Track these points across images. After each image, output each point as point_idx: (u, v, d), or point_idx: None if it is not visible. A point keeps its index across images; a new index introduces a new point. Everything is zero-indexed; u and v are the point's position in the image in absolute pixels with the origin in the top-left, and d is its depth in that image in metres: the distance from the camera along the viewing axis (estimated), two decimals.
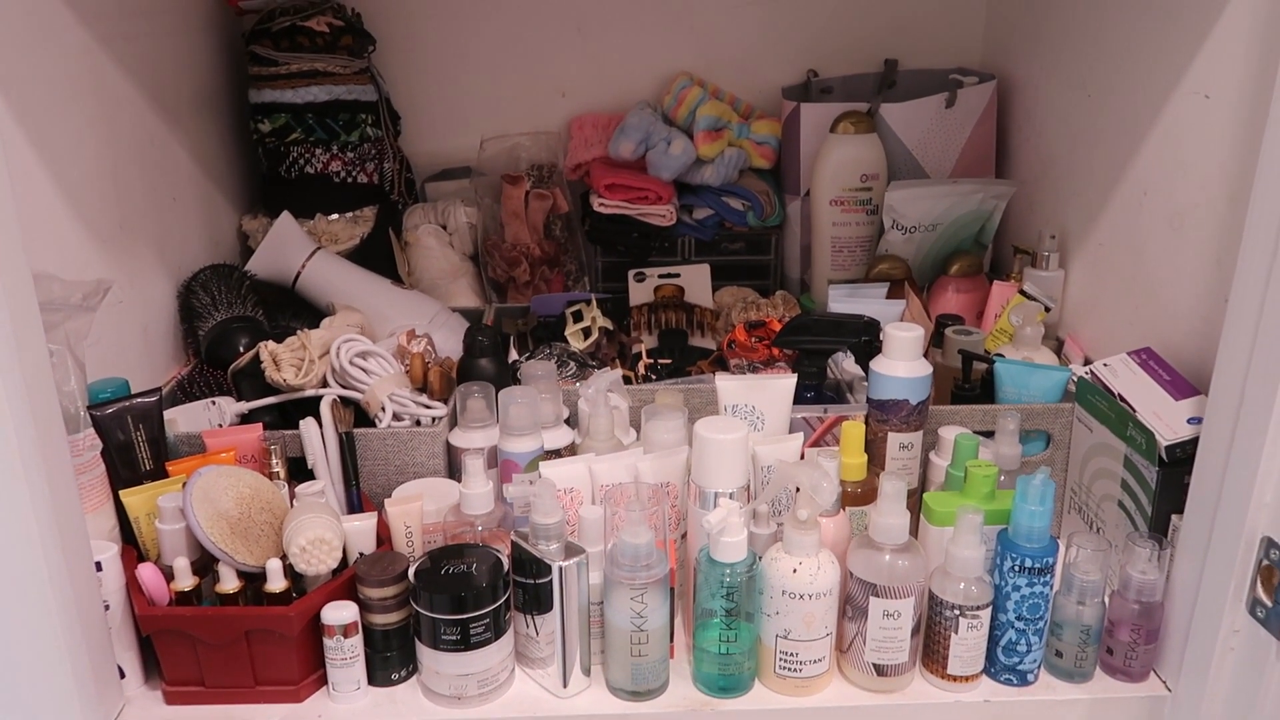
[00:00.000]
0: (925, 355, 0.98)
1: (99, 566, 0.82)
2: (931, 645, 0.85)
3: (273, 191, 1.44)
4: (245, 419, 1.05)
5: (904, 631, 0.83)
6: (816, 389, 1.09)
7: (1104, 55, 1.16)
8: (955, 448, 0.93)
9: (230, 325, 1.18)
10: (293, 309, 1.31)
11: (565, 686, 0.84)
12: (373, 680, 0.86)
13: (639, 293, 1.42)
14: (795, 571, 0.81)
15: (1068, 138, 1.26)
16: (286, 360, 1.03)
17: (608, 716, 0.84)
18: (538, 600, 0.83)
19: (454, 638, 0.81)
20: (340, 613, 0.83)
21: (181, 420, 1.02)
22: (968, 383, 1.09)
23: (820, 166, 1.41)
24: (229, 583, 0.84)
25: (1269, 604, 0.73)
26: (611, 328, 1.28)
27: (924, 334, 0.97)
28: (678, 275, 1.43)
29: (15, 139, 0.90)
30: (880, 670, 0.84)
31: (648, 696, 0.85)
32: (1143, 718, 0.87)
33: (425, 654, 0.83)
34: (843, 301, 1.27)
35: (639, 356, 1.24)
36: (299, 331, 1.07)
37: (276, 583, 0.83)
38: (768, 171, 1.53)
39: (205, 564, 0.86)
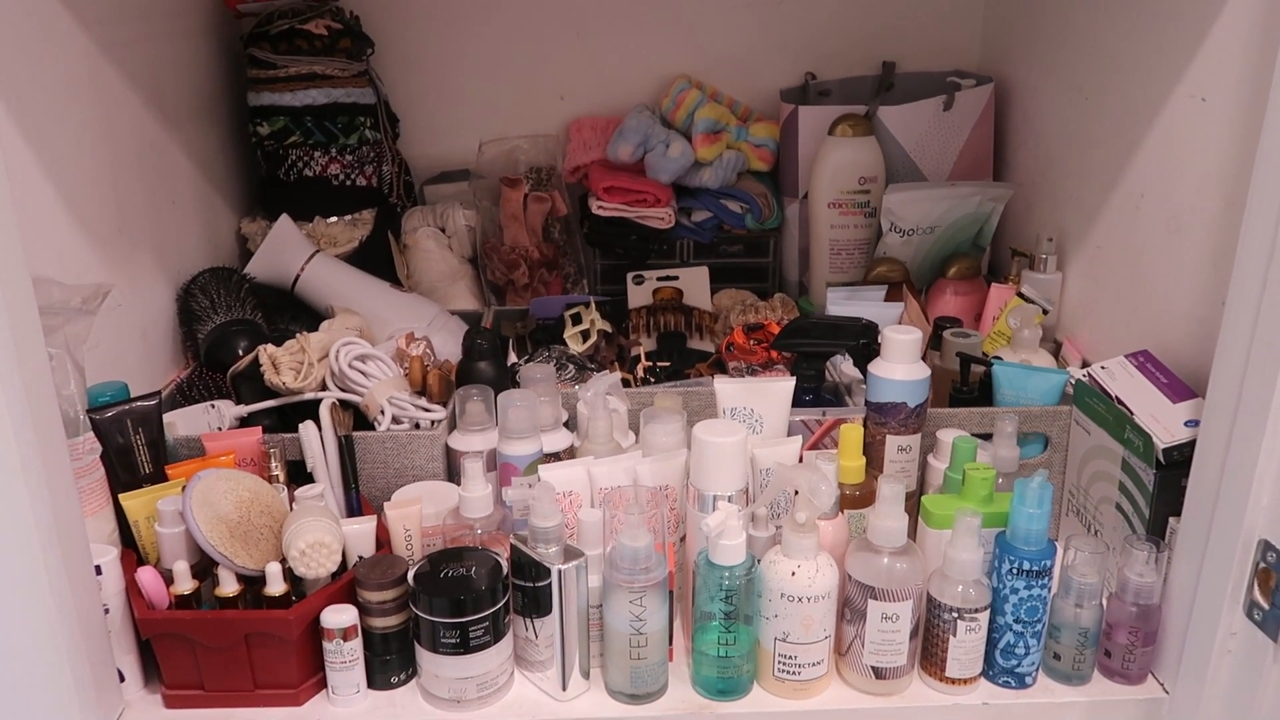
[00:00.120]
0: (923, 358, 0.98)
1: (98, 570, 0.82)
2: (930, 648, 0.85)
3: (271, 194, 1.44)
4: (244, 422, 1.05)
5: (902, 634, 0.83)
6: (815, 392, 1.09)
7: (1101, 58, 1.16)
8: (953, 450, 0.94)
9: (229, 328, 1.18)
10: (292, 312, 1.31)
11: (564, 689, 0.84)
12: (372, 683, 0.86)
13: (637, 295, 1.43)
14: (794, 574, 0.81)
15: (1065, 140, 1.27)
16: (286, 363, 1.03)
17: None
18: (537, 603, 0.83)
19: (453, 641, 0.81)
20: (339, 616, 0.83)
21: (181, 423, 1.02)
22: (966, 385, 1.09)
23: (818, 169, 1.41)
24: (228, 586, 0.84)
25: (1266, 606, 0.73)
26: (610, 330, 1.28)
27: (922, 336, 0.97)
28: (676, 278, 1.44)
29: (14, 142, 0.90)
30: (879, 673, 0.84)
31: (647, 699, 0.85)
32: None
33: (424, 657, 0.83)
34: (841, 304, 1.28)
35: (638, 359, 1.24)
36: (298, 335, 1.07)
37: (276, 586, 0.84)
38: (766, 174, 1.54)
39: (205, 567, 0.86)
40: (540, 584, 0.82)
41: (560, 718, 0.84)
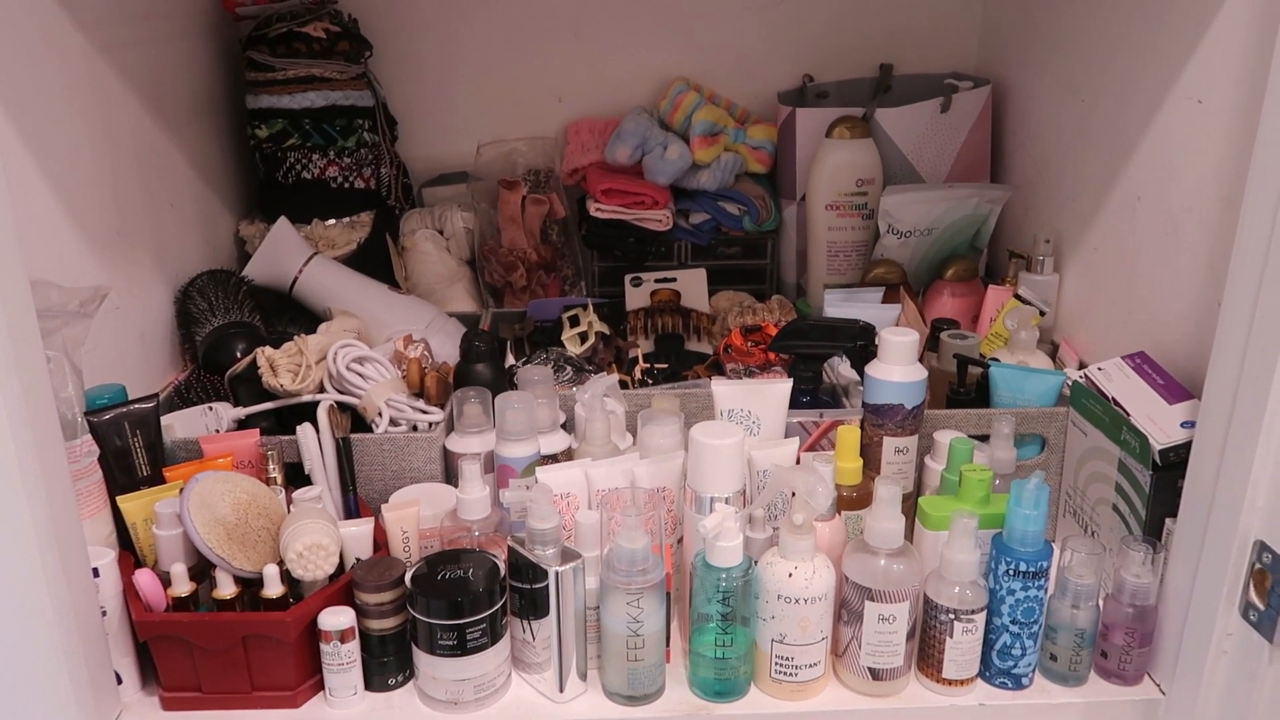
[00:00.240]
0: (920, 359, 0.98)
1: (96, 572, 0.82)
2: (927, 649, 0.85)
3: (270, 197, 1.44)
4: (242, 424, 1.05)
5: (899, 635, 0.83)
6: (812, 393, 1.10)
7: (1097, 60, 1.16)
8: (950, 452, 0.94)
9: (227, 331, 1.18)
10: (290, 314, 1.31)
11: (562, 691, 0.85)
12: (369, 685, 0.86)
13: (635, 297, 1.43)
14: (791, 576, 0.81)
15: (1062, 142, 1.27)
16: (283, 366, 1.04)
17: None
18: (534, 605, 0.83)
19: (451, 643, 0.81)
20: (337, 618, 0.83)
21: (179, 426, 1.02)
22: (963, 387, 1.09)
23: (816, 171, 1.41)
24: (226, 588, 0.84)
25: (1261, 607, 0.74)
26: (608, 332, 1.29)
27: (919, 338, 0.97)
28: (674, 280, 1.44)
29: (12, 145, 0.90)
30: (875, 674, 0.84)
31: (644, 701, 0.85)
32: None
33: (422, 659, 0.84)
34: (838, 306, 1.28)
35: (635, 361, 1.24)
36: (296, 337, 1.07)
37: (273, 588, 0.84)
38: (764, 176, 1.54)
39: (202, 570, 0.86)
40: (537, 586, 0.82)
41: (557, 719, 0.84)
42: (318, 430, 0.98)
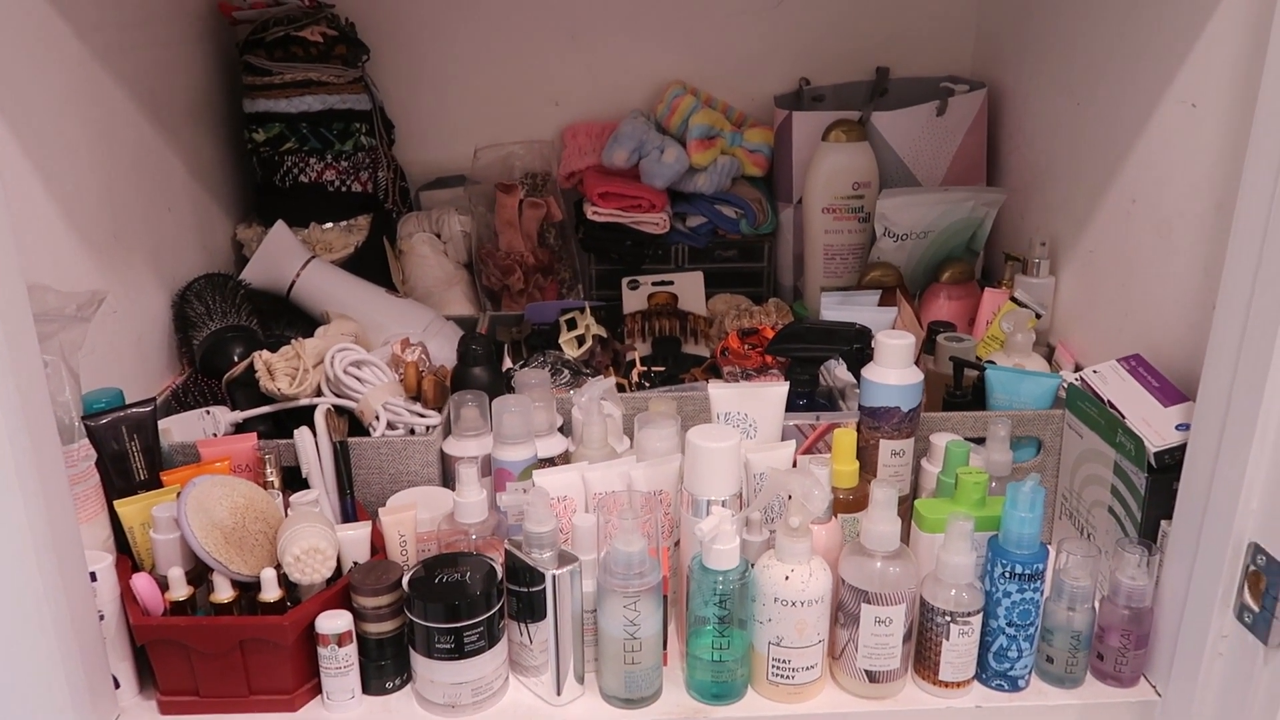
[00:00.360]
0: (917, 362, 0.99)
1: (93, 577, 0.82)
2: (923, 652, 0.86)
3: (267, 201, 1.44)
4: (240, 428, 1.05)
5: (895, 638, 0.83)
6: (809, 396, 1.10)
7: (1092, 64, 1.17)
8: (946, 454, 0.94)
9: (225, 335, 1.18)
10: (287, 318, 1.31)
11: (559, 694, 0.85)
12: (367, 689, 0.86)
13: (632, 300, 1.43)
14: (787, 579, 0.81)
15: (1058, 146, 1.27)
16: (281, 369, 1.04)
17: None
18: (531, 608, 0.83)
19: (448, 646, 0.81)
20: (334, 622, 0.83)
21: (176, 430, 1.02)
22: (959, 389, 1.09)
23: (812, 174, 1.42)
24: (223, 592, 0.84)
25: (1256, 609, 0.74)
26: (605, 335, 1.29)
27: (915, 341, 0.98)
28: (671, 283, 1.44)
29: (10, 149, 0.91)
30: (872, 677, 0.85)
31: (641, 704, 0.85)
32: None
33: (419, 662, 0.84)
34: (835, 309, 1.28)
35: (632, 364, 1.25)
36: (293, 341, 1.07)
37: (271, 592, 0.84)
38: (760, 179, 1.54)
39: (200, 574, 0.86)
40: (535, 589, 0.82)
41: None
42: (315, 434, 0.98)
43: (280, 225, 1.35)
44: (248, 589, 0.85)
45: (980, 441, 0.99)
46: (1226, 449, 0.76)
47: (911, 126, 1.44)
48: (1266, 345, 0.72)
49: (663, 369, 1.25)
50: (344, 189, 1.44)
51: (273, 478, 0.94)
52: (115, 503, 0.88)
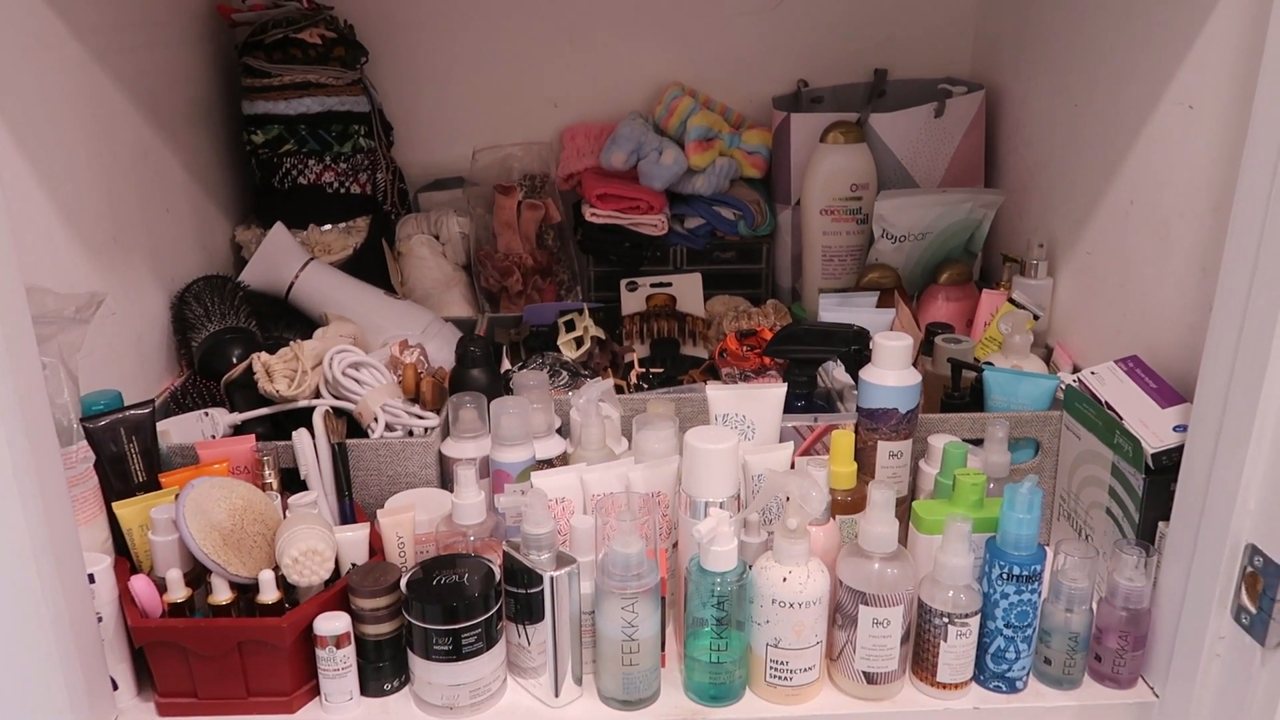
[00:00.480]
0: (915, 364, 0.99)
1: (92, 578, 0.82)
2: (921, 653, 0.86)
3: (266, 202, 1.44)
4: (238, 430, 1.06)
5: (893, 639, 0.83)
6: (807, 398, 1.10)
7: (1090, 66, 1.17)
8: (944, 456, 0.94)
9: (223, 336, 1.18)
10: (286, 320, 1.31)
11: (557, 696, 0.85)
12: (365, 691, 0.86)
13: (631, 302, 1.43)
14: (785, 580, 0.81)
15: (1055, 147, 1.27)
16: (279, 371, 1.04)
17: None
18: (529, 610, 0.83)
19: (446, 648, 0.81)
20: (333, 623, 0.83)
21: (174, 432, 1.02)
22: (957, 391, 1.09)
23: (810, 176, 1.42)
24: (222, 594, 0.84)
25: (1253, 610, 0.74)
26: (603, 337, 1.29)
27: (913, 343, 0.98)
28: (669, 284, 1.44)
29: (8, 150, 0.91)
30: (870, 678, 0.85)
31: (639, 705, 0.85)
32: None
33: (417, 664, 0.84)
34: (833, 310, 1.28)
35: (631, 366, 1.25)
36: (292, 342, 1.07)
37: (269, 594, 0.84)
38: (759, 181, 1.54)
39: (198, 575, 0.86)
40: (533, 591, 0.82)
41: None
42: (313, 435, 0.98)
43: (279, 227, 1.35)
44: (246, 591, 0.85)
45: (978, 443, 0.99)
46: (1224, 450, 0.76)
47: (910, 128, 1.44)
48: (1263, 347, 0.72)
49: (661, 370, 1.25)
50: (343, 191, 1.44)
51: (271, 479, 0.94)
52: (114, 504, 0.88)
